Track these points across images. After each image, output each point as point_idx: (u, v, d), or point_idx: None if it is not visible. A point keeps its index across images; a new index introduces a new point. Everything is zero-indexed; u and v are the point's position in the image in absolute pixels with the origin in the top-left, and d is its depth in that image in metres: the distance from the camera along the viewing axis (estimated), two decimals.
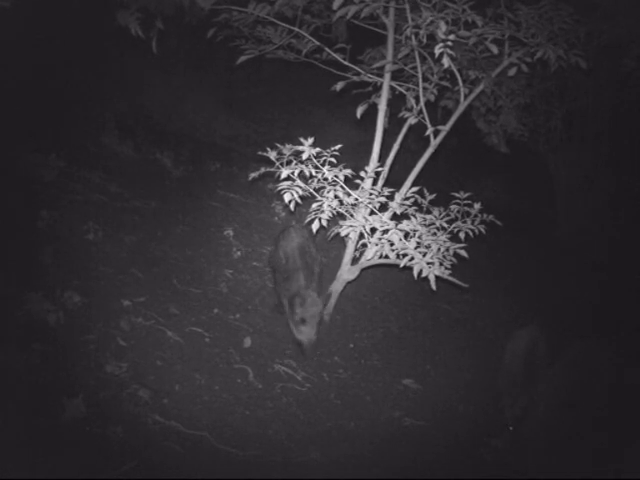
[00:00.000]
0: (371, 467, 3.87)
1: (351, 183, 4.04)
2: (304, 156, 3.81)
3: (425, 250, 3.83)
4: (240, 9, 4.14)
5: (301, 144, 3.81)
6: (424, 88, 4.40)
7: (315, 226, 3.87)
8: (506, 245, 6.37)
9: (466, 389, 4.66)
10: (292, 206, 3.87)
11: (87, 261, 4.59)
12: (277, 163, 3.88)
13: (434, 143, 4.49)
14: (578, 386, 4.12)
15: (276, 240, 4.84)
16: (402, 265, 3.85)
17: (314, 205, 3.92)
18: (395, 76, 4.57)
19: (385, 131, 4.51)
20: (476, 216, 4.13)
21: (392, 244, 3.91)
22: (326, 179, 3.94)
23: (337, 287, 4.76)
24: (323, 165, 3.91)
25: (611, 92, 6.27)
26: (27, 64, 5.42)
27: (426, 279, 3.73)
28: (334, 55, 4.41)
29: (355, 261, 4.69)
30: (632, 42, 5.36)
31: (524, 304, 5.78)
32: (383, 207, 4.12)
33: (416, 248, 3.82)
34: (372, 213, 4.11)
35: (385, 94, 4.41)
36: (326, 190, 3.95)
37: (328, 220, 3.90)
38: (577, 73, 5.29)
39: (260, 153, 3.88)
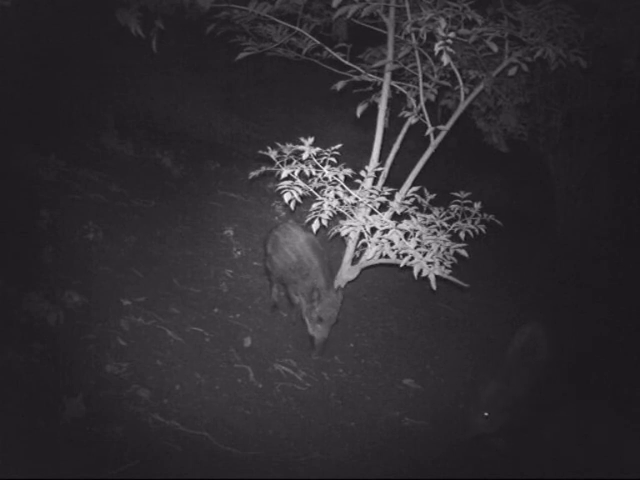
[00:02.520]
0: (371, 467, 3.87)
1: (351, 183, 4.04)
2: (304, 155, 3.82)
3: (425, 250, 3.83)
4: (240, 7, 4.14)
5: (301, 143, 3.81)
6: (424, 88, 4.40)
7: (315, 226, 3.87)
8: (506, 245, 6.37)
9: (466, 389, 4.66)
10: (292, 205, 3.87)
11: (87, 261, 4.59)
12: (277, 162, 3.88)
13: (434, 143, 4.49)
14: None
15: (272, 239, 4.72)
16: (402, 265, 3.85)
17: (314, 205, 3.92)
18: (395, 76, 4.56)
19: (385, 131, 4.51)
20: (476, 216, 4.13)
21: (392, 244, 3.91)
22: (326, 179, 3.94)
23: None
24: (323, 165, 3.91)
25: (611, 92, 6.26)
26: (27, 64, 5.41)
27: (426, 279, 3.73)
28: (334, 54, 4.41)
29: (355, 261, 4.69)
30: (632, 42, 5.37)
31: (524, 304, 5.77)
32: (383, 207, 4.12)
33: (416, 248, 3.82)
34: (372, 213, 4.11)
35: (385, 94, 4.41)
36: (326, 190, 3.95)
37: (328, 220, 3.90)
38: (577, 73, 5.30)
39: (260, 152, 3.88)
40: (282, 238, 4.66)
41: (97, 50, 6.00)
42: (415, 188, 4.13)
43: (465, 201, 4.12)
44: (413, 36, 4.13)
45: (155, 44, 4.16)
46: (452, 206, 4.17)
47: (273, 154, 3.86)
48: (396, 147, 4.64)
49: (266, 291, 5.03)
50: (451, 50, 3.71)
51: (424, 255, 3.78)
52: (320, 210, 3.89)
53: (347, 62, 4.46)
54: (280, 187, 3.86)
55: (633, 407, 4.52)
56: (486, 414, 4.08)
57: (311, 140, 3.80)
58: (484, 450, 4.21)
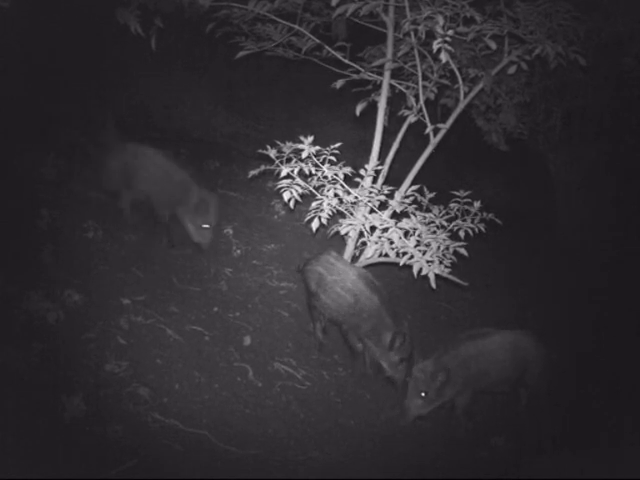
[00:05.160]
0: (371, 466, 3.86)
1: (351, 181, 4.04)
2: (304, 154, 3.82)
3: (425, 248, 3.83)
4: (240, 6, 4.14)
5: (301, 142, 3.81)
6: (424, 86, 4.41)
7: (315, 225, 3.87)
8: (506, 243, 6.36)
9: None
10: (292, 204, 3.87)
11: (87, 260, 4.59)
12: (277, 161, 3.88)
13: (434, 141, 4.50)
14: None
15: (315, 275, 4.45)
16: (402, 263, 3.86)
17: (314, 203, 3.92)
18: (395, 74, 4.57)
19: (385, 129, 4.51)
20: (476, 214, 4.13)
21: (392, 242, 3.92)
22: (326, 177, 3.94)
23: None
24: (323, 163, 3.91)
25: (611, 90, 6.26)
26: (26, 64, 5.41)
27: (426, 277, 3.73)
28: (334, 53, 4.41)
29: (355, 259, 4.69)
30: (632, 40, 5.36)
31: (524, 303, 5.77)
32: (383, 205, 4.13)
33: (416, 246, 3.83)
34: (372, 211, 4.11)
35: (385, 92, 4.41)
36: (326, 188, 3.95)
37: (328, 218, 3.90)
38: (577, 71, 5.29)
39: (260, 151, 3.89)
40: (329, 276, 4.39)
41: (96, 49, 5.99)
42: (415, 187, 4.13)
43: (465, 200, 4.12)
44: (412, 34, 4.13)
45: (154, 43, 4.16)
46: (452, 205, 4.16)
47: (272, 153, 3.86)
48: (396, 146, 4.64)
49: (265, 289, 5.03)
50: (450, 48, 3.71)
51: (424, 254, 3.78)
52: (320, 209, 3.89)
53: (347, 61, 4.46)
54: (280, 186, 3.87)
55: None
56: (423, 394, 4.04)
57: (311, 139, 3.80)
58: (484, 449, 4.21)
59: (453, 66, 4.26)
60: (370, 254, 4.51)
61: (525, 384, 4.45)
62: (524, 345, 4.39)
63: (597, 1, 5.18)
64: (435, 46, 3.66)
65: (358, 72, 4.48)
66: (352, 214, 4.12)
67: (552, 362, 4.48)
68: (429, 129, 4.41)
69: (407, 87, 4.60)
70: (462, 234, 4.06)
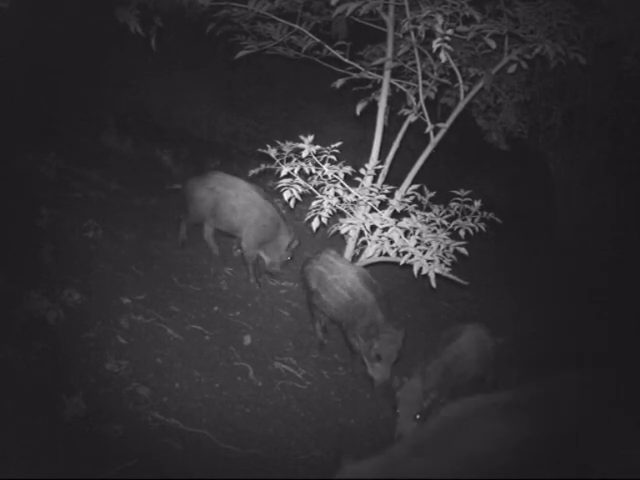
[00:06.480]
0: None
1: (351, 181, 4.04)
2: (304, 154, 3.82)
3: (425, 248, 3.83)
4: (240, 5, 4.14)
5: (301, 141, 3.80)
6: (424, 85, 4.41)
7: (315, 224, 3.87)
8: (506, 242, 6.36)
9: None
10: (292, 203, 3.87)
11: (87, 259, 4.59)
12: (277, 160, 3.88)
13: (434, 140, 4.50)
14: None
15: (316, 274, 4.49)
16: (402, 263, 3.86)
17: (314, 203, 3.92)
18: (395, 73, 4.57)
19: (385, 129, 4.51)
20: (476, 214, 4.13)
21: (392, 242, 3.92)
22: (326, 176, 3.94)
23: None
24: (323, 162, 3.91)
25: (611, 89, 6.26)
26: (26, 64, 5.41)
27: (426, 277, 3.73)
28: (334, 52, 4.41)
29: (355, 259, 4.69)
30: (632, 39, 5.36)
31: (524, 303, 5.77)
32: (383, 205, 4.13)
33: (416, 246, 3.82)
34: (372, 211, 4.11)
35: (385, 92, 4.41)
36: (326, 188, 3.95)
37: (328, 218, 3.90)
38: (577, 70, 5.29)
39: (260, 150, 3.89)
40: (329, 275, 4.42)
41: (96, 49, 5.99)
42: (415, 186, 4.13)
43: (465, 199, 4.12)
44: (412, 33, 4.14)
45: (154, 42, 4.16)
46: (452, 204, 4.16)
47: (273, 152, 3.86)
48: (396, 145, 4.64)
49: (265, 289, 5.03)
50: (450, 47, 3.71)
51: (424, 253, 3.78)
52: (320, 208, 3.89)
53: (347, 60, 4.46)
54: (280, 185, 3.87)
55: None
56: (417, 416, 3.84)
57: (311, 138, 3.80)
58: None
59: (453, 65, 4.26)
60: (370, 253, 4.51)
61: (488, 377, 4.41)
62: (483, 338, 4.32)
63: (597, 0, 5.17)
64: (435, 45, 3.66)
65: (358, 71, 4.48)
66: (352, 213, 4.12)
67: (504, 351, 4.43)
68: (429, 128, 4.41)
69: (407, 86, 4.60)
70: (462, 233, 4.06)
